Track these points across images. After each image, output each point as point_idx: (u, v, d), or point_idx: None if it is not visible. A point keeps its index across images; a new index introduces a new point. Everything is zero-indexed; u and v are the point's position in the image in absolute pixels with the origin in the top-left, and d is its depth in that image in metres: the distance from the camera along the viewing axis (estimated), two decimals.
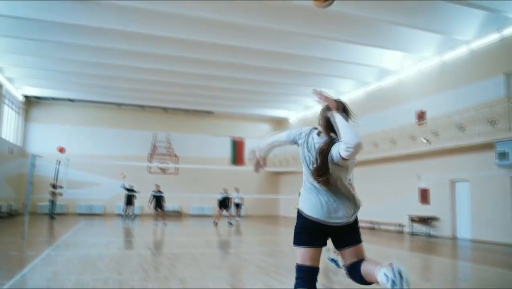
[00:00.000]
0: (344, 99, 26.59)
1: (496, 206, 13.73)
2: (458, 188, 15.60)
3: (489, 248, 12.63)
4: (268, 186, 30.08)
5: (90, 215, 25.12)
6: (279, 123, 31.67)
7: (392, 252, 11.14)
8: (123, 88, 23.53)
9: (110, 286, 6.04)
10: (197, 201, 27.91)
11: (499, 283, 7.35)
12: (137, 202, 22.46)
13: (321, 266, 3.05)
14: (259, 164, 3.44)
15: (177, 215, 27.39)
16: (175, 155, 28.50)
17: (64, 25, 14.66)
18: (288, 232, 14.17)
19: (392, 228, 18.21)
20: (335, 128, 2.80)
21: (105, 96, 25.67)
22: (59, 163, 12.67)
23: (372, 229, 19.06)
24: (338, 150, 2.71)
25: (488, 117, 13.84)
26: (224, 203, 20.00)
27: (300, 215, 3.02)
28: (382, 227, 18.91)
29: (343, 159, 2.71)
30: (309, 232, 2.95)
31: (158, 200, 19.06)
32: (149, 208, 19.72)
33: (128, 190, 20.64)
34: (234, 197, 21.73)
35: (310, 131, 3.07)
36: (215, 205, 22.24)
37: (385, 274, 2.63)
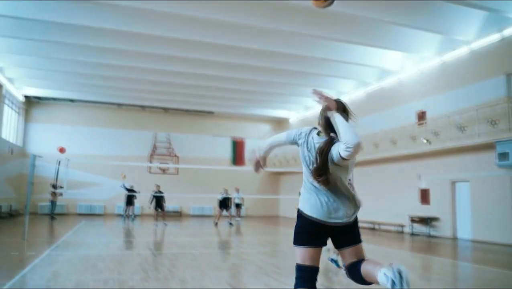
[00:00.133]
0: (345, 99, 26.53)
1: (496, 207, 13.72)
2: (459, 188, 15.59)
3: (489, 248, 12.61)
4: (268, 186, 30.07)
5: (90, 215, 25.12)
6: (280, 123, 31.68)
7: (392, 253, 11.14)
8: (123, 88, 23.53)
9: (110, 286, 6.04)
10: (197, 201, 27.91)
11: (499, 283, 7.34)
12: (137, 202, 22.46)
13: (321, 266, 3.05)
14: (259, 164, 3.45)
15: (178, 215, 27.40)
16: (176, 155, 28.50)
17: (65, 25, 14.66)
18: (288, 232, 14.15)
19: (392, 228, 18.20)
20: (335, 128, 2.80)
21: (105, 96, 25.67)
22: (59, 163, 12.65)
23: (372, 229, 19.06)
24: (338, 150, 2.71)
25: (489, 117, 13.84)
26: (224, 203, 20.00)
27: (300, 215, 3.02)
28: (382, 227, 18.90)
29: (343, 159, 2.71)
30: (309, 232, 2.95)
31: (159, 200, 19.04)
32: (149, 208, 19.70)
33: (128, 190, 20.63)
34: (235, 197, 21.71)
35: (310, 131, 3.07)
36: (215, 205, 22.24)
37: (385, 274, 2.63)
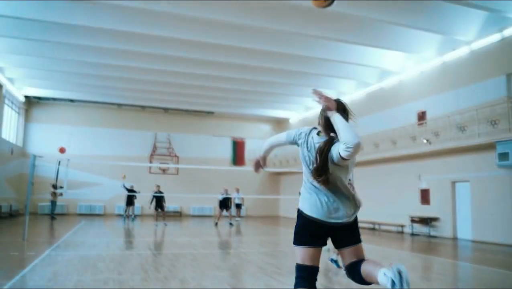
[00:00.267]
0: (345, 99, 26.70)
1: (496, 207, 13.71)
2: (459, 188, 15.58)
3: (490, 248, 12.61)
4: (268, 186, 30.06)
5: (90, 215, 25.13)
6: (280, 124, 31.67)
7: (393, 253, 11.14)
8: (123, 89, 23.53)
9: (110, 286, 6.04)
10: (197, 202, 27.91)
11: (500, 283, 7.34)
12: (137, 202, 22.45)
13: (321, 266, 3.05)
14: (259, 164, 3.47)
15: (178, 215, 27.40)
16: (176, 156, 28.50)
17: (65, 25, 14.66)
18: (288, 233, 14.15)
19: (392, 228, 18.19)
20: (334, 128, 2.80)
21: (105, 96, 25.67)
22: (59, 163, 12.65)
23: (373, 229, 19.05)
24: (338, 150, 2.71)
25: (489, 117, 13.84)
26: (224, 204, 19.98)
27: (300, 214, 3.02)
28: (383, 227, 18.89)
29: (343, 159, 2.71)
30: (309, 232, 2.95)
31: (159, 201, 19.01)
32: (150, 208, 19.71)
33: (128, 190, 20.63)
34: (235, 197, 21.71)
35: (310, 131, 3.07)
36: (215, 205, 22.25)
37: (385, 274, 2.63)
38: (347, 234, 3.02)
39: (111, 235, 14.71)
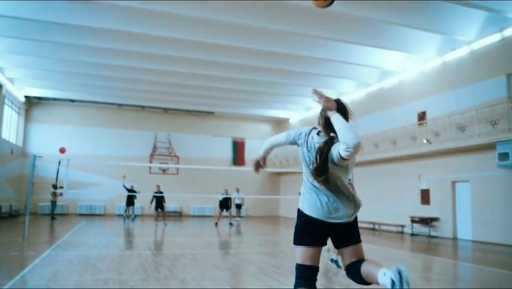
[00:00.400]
0: (345, 99, 26.69)
1: (496, 207, 13.71)
2: (459, 188, 15.58)
3: (490, 248, 12.60)
4: (268, 186, 30.07)
5: (90, 215, 25.13)
6: (280, 124, 31.67)
7: (393, 253, 11.13)
8: (123, 89, 23.53)
9: (110, 287, 6.04)
10: (197, 202, 27.90)
11: (500, 284, 7.33)
12: (137, 203, 22.47)
13: (321, 266, 3.04)
14: (259, 164, 3.48)
15: (178, 215, 27.40)
16: (176, 156, 28.50)
17: (65, 25, 14.66)
18: (288, 233, 14.15)
19: (392, 228, 18.19)
20: (334, 128, 2.80)
21: (105, 96, 25.67)
22: (59, 163, 12.66)
23: (373, 229, 19.05)
24: (338, 150, 2.71)
25: (489, 117, 13.84)
26: (224, 204, 19.98)
27: (300, 214, 3.03)
28: (383, 227, 18.89)
29: (343, 159, 2.71)
30: (309, 232, 2.95)
31: (159, 201, 19.01)
32: (149, 208, 19.71)
33: (128, 190, 20.63)
34: (235, 197, 21.71)
35: (310, 131, 3.07)
36: (215, 205, 22.25)
37: (385, 274, 2.63)
38: (347, 234, 3.02)
39: (111, 235, 14.71)
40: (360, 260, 2.97)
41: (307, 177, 3.02)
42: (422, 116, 17.38)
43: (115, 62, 18.61)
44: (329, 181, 2.86)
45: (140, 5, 12.91)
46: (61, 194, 20.64)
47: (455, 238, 15.28)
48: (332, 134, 2.88)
